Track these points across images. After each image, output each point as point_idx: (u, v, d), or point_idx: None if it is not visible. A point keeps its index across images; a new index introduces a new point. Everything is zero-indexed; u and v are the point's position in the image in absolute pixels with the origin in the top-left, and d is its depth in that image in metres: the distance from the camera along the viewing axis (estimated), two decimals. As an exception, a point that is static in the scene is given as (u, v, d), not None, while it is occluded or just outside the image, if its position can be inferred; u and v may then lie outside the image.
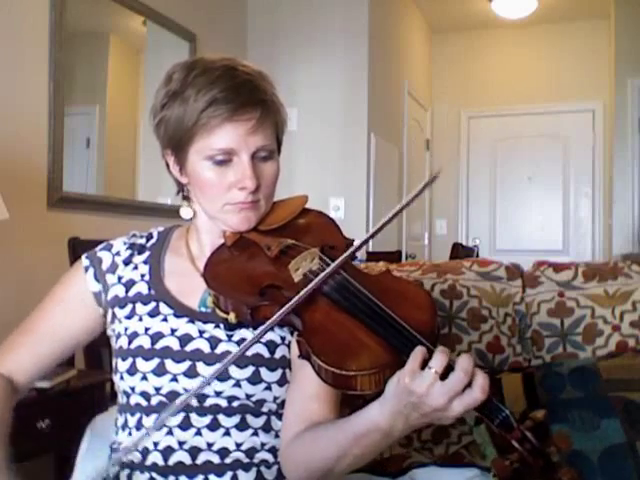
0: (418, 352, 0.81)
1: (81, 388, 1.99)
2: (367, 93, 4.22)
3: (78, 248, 2.08)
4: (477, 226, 6.06)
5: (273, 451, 1.05)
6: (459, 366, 0.79)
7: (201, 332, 1.05)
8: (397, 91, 5.02)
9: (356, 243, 1.01)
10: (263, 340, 1.03)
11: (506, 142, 5.94)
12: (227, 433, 1.02)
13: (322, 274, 0.93)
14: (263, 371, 1.03)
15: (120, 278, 1.13)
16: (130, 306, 1.10)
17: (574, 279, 1.60)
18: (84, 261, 1.16)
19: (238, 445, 1.03)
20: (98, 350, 2.12)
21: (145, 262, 1.15)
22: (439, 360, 0.80)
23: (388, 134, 4.65)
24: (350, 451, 0.90)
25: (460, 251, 4.43)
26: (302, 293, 0.90)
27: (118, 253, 1.16)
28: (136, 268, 1.14)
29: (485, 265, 1.64)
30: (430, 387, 0.79)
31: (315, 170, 4.23)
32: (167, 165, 1.13)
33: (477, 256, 4.61)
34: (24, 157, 2.60)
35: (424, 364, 0.80)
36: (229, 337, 1.04)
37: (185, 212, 1.14)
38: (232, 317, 0.97)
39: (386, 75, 4.69)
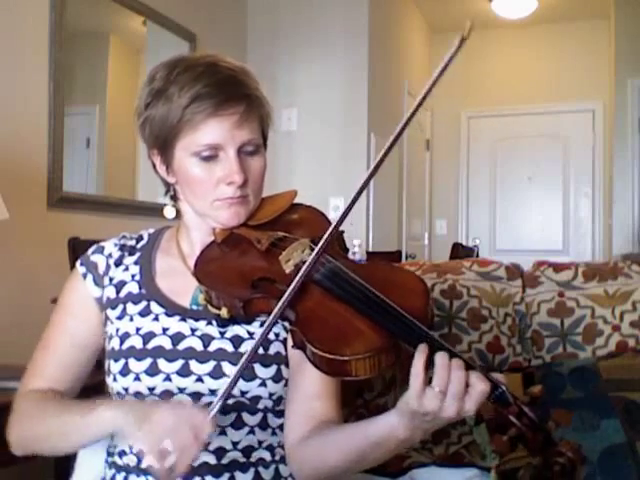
0: (418, 371, 0.82)
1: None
2: (367, 93, 4.22)
3: (78, 248, 2.08)
4: (477, 226, 6.06)
5: (270, 449, 1.05)
6: (451, 368, 0.81)
7: (193, 330, 1.05)
8: (397, 91, 5.02)
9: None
10: (256, 336, 1.03)
11: (506, 142, 5.94)
12: (223, 432, 1.01)
13: (320, 242, 0.93)
14: (257, 367, 1.02)
15: (111, 279, 1.13)
16: (121, 307, 1.10)
17: (574, 279, 1.60)
18: (80, 268, 1.15)
19: (234, 444, 1.02)
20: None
21: (136, 263, 1.14)
22: (441, 378, 0.81)
23: (388, 134, 4.61)
24: (368, 456, 0.93)
25: (460, 251, 4.43)
26: (299, 277, 0.90)
27: (110, 255, 1.16)
28: (127, 269, 1.14)
29: (485, 265, 1.64)
30: (440, 403, 0.80)
31: (315, 170, 4.22)
32: (153, 165, 1.12)
33: (477, 256, 4.61)
34: (24, 157, 2.60)
35: (427, 362, 0.81)
36: (222, 334, 1.04)
37: (168, 212, 1.14)
38: (224, 312, 0.97)
39: (386, 75, 4.68)
